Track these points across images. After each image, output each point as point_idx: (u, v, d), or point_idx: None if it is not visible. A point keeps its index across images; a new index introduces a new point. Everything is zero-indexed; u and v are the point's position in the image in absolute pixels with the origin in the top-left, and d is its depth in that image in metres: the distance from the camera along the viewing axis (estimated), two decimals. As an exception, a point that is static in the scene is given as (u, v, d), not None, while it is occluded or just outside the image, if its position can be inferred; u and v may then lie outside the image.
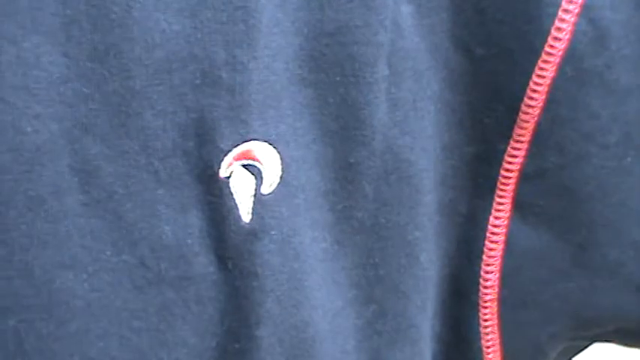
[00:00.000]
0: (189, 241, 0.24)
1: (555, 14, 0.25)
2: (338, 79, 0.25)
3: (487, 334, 0.29)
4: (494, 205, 0.28)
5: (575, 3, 0.25)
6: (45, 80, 0.23)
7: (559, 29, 0.26)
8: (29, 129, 0.23)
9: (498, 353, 0.30)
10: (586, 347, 0.33)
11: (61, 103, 0.23)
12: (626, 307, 0.29)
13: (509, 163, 0.27)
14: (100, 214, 0.23)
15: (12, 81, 0.22)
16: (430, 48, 0.26)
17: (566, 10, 0.25)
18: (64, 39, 0.23)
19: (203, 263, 0.24)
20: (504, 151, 0.27)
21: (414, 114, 0.26)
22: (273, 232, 0.24)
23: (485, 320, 0.29)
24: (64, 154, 0.23)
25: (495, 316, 0.29)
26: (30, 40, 0.23)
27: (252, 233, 0.24)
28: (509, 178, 0.28)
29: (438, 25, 0.26)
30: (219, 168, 0.24)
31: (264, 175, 0.24)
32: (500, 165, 0.28)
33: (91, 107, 0.23)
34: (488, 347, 0.30)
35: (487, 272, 0.28)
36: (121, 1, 0.23)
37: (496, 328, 0.29)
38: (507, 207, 0.28)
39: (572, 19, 0.25)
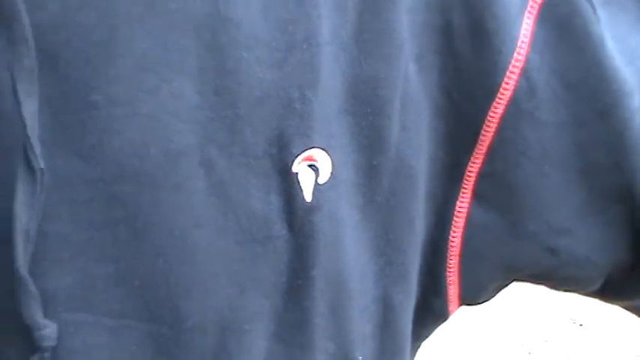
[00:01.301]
0: (270, 213, 0.38)
1: (505, 73, 0.40)
2: (368, 110, 0.39)
3: (450, 276, 0.44)
4: (460, 194, 0.43)
5: (517, 67, 0.40)
6: (186, 108, 0.36)
7: (507, 83, 0.40)
8: (175, 139, 0.36)
9: (456, 289, 0.45)
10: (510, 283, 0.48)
11: (195, 123, 0.36)
12: (539, 260, 0.45)
13: (471, 167, 0.42)
14: (215, 194, 0.37)
15: (166, 107, 0.36)
16: (425, 92, 0.40)
17: (512, 72, 0.40)
18: (199, 81, 0.36)
19: (279, 228, 0.38)
20: (469, 159, 0.42)
21: (415, 134, 0.40)
22: (324, 209, 0.38)
23: (450, 268, 0.44)
24: (196, 155, 0.36)
25: (456, 265, 0.44)
26: (178, 80, 0.36)
27: (312, 209, 0.38)
28: (471, 177, 0.43)
29: (431, 78, 0.40)
30: (292, 166, 0.38)
31: (320, 171, 0.38)
32: (465, 168, 0.42)
33: (214, 126, 0.36)
34: (449, 285, 0.45)
35: (453, 237, 0.43)
36: (234, 57, 0.36)
37: (456, 272, 0.44)
38: (469, 195, 0.43)
39: (515, 77, 0.40)
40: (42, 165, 0.32)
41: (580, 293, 0.52)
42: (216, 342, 0.38)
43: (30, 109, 0.32)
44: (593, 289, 0.50)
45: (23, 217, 0.32)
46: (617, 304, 0.53)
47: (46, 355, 0.35)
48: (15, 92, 0.32)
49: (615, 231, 0.44)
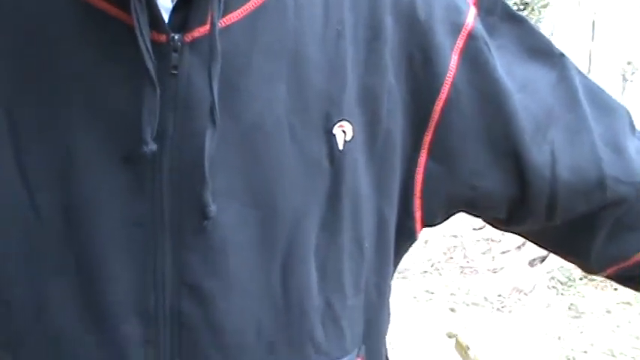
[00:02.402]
0: (321, 154, 0.71)
1: (442, 85, 0.75)
2: (370, 101, 0.73)
3: (416, 204, 0.78)
4: (420, 153, 0.77)
5: (448, 82, 0.75)
6: (282, 100, 0.70)
7: (443, 91, 0.75)
8: (276, 112, 0.70)
9: (420, 214, 0.79)
10: (453, 213, 0.83)
11: (286, 108, 0.70)
12: (465, 194, 0.80)
13: (426, 137, 0.76)
14: (294, 144, 0.70)
15: (273, 100, 0.69)
16: (399, 93, 0.74)
17: (446, 84, 0.75)
18: (288, 87, 0.70)
19: (325, 163, 0.71)
20: (424, 132, 0.76)
21: (394, 116, 0.74)
22: (348, 154, 0.72)
23: (416, 199, 0.78)
24: (286, 123, 0.70)
25: (419, 198, 0.78)
26: (279, 87, 0.70)
27: (342, 153, 0.72)
28: (425, 143, 0.77)
29: (402, 85, 0.74)
30: (332, 129, 0.71)
31: (346, 133, 0.72)
32: (423, 137, 0.77)
33: (295, 109, 0.70)
34: (416, 210, 0.79)
35: (417, 179, 0.77)
36: (305, 75, 0.71)
37: (419, 203, 0.78)
38: (425, 154, 0.77)
39: (448, 87, 0.75)
40: (219, 118, 0.66)
41: (495, 224, 0.87)
42: (291, 228, 0.71)
43: (215, 88, 0.65)
44: (500, 218, 0.84)
45: (208, 145, 0.65)
46: (518, 230, 0.88)
47: (208, 222, 0.67)
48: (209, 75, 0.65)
49: (509, 175, 0.80)
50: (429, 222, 0.82)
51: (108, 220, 0.68)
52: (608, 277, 0.91)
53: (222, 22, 0.66)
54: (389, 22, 0.74)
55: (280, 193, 0.70)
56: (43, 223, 0.69)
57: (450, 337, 1.28)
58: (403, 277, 4.96)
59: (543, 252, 4.90)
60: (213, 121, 0.65)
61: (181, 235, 0.68)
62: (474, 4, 0.78)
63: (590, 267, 0.90)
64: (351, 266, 0.75)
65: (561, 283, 4.74)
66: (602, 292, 4.75)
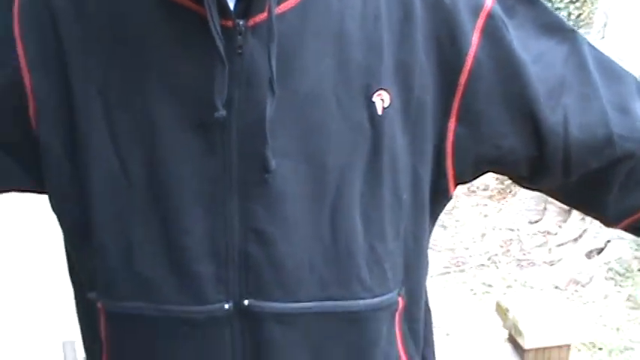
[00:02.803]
0: (364, 119, 0.84)
1: (465, 58, 0.88)
2: (403, 74, 0.86)
3: (448, 164, 0.91)
4: (450, 118, 0.90)
5: (471, 56, 0.88)
6: (331, 73, 0.84)
7: (466, 63, 0.88)
8: (327, 80, 0.84)
9: (452, 173, 0.92)
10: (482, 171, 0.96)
11: (334, 80, 0.84)
12: (491, 153, 0.92)
13: (455, 104, 0.89)
14: (342, 110, 0.84)
15: (324, 73, 0.83)
16: (430, 67, 0.87)
17: (469, 57, 0.88)
18: (336, 62, 0.84)
19: (367, 126, 0.84)
20: (453, 100, 0.89)
21: (426, 87, 0.87)
22: (387, 119, 0.85)
23: (447, 159, 0.91)
24: (333, 92, 0.84)
25: (451, 158, 0.91)
26: (329, 62, 0.84)
27: (381, 117, 0.85)
28: (454, 109, 0.90)
29: (432, 60, 0.88)
30: (372, 97, 0.85)
31: (384, 100, 0.86)
32: (452, 104, 0.89)
33: (341, 80, 0.84)
34: (448, 169, 0.92)
35: (448, 141, 0.90)
36: (349, 52, 0.85)
37: (451, 163, 0.91)
38: (454, 119, 0.90)
39: (470, 60, 0.88)
40: (277, 89, 0.80)
41: (520, 182, 1.00)
42: (338, 180, 0.85)
43: (273, 64, 0.79)
44: (523, 175, 0.97)
45: (268, 111, 0.80)
46: (540, 187, 1.01)
47: (269, 176, 0.81)
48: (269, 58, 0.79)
49: (527, 134, 0.92)
50: (461, 180, 0.95)
51: (185, 178, 0.83)
52: (626, 229, 1.02)
53: (278, 10, 0.81)
54: (418, 6, 0.88)
55: (328, 152, 0.84)
56: (132, 184, 0.84)
57: (500, 309, 1.39)
58: (461, 271, 5.05)
59: (601, 244, 4.95)
60: (272, 92, 0.80)
61: (247, 187, 0.83)
62: None
63: (608, 220, 1.02)
64: (391, 215, 0.88)
65: (619, 275, 4.76)
66: (662, 283, 4.76)
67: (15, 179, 0.93)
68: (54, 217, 0.93)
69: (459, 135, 0.91)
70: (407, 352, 0.96)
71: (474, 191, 6.23)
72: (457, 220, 5.79)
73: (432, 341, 1.04)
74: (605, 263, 4.68)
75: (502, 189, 6.07)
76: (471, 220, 5.80)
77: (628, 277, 4.74)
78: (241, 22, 0.80)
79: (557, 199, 1.06)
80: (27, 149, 0.88)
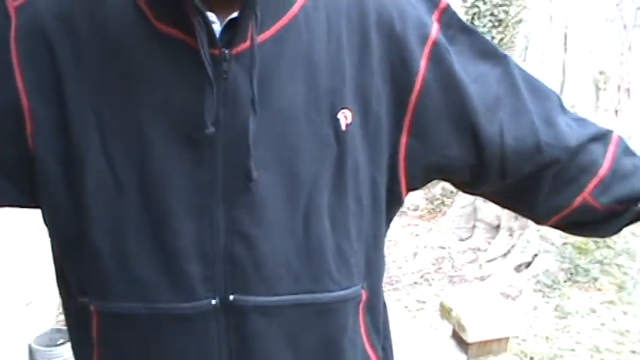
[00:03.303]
0: (329, 134, 0.98)
1: (415, 80, 1.03)
2: (363, 95, 1.01)
3: (401, 172, 1.06)
4: (402, 132, 1.05)
5: (420, 78, 1.03)
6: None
7: (416, 85, 1.03)
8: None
9: (404, 180, 1.07)
10: (430, 179, 1.11)
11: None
12: (438, 162, 1.08)
13: (405, 120, 1.04)
14: (311, 124, 0.98)
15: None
16: (384, 89, 1.02)
17: (417, 79, 1.03)
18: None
19: (332, 141, 0.98)
20: (404, 117, 1.04)
21: (382, 105, 1.02)
22: (349, 134, 0.99)
23: (400, 168, 1.05)
24: (303, 109, 0.98)
25: (403, 167, 1.05)
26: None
27: (345, 132, 0.99)
28: (405, 125, 1.04)
29: (385, 84, 1.03)
30: (337, 114, 0.99)
31: (347, 117, 1.00)
32: (404, 120, 1.04)
33: (310, 100, 0.98)
34: (401, 177, 1.06)
35: (400, 152, 1.05)
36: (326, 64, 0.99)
37: (403, 171, 1.06)
38: (406, 133, 1.05)
39: (420, 82, 1.03)
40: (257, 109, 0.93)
41: (463, 188, 1.15)
42: (309, 188, 0.98)
43: (255, 87, 0.92)
44: (465, 181, 1.12)
45: (251, 127, 0.93)
46: (480, 192, 1.16)
47: (252, 184, 0.94)
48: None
49: (469, 144, 1.07)
50: (412, 186, 1.09)
51: (175, 188, 0.95)
52: (555, 225, 1.18)
53: (258, 39, 0.94)
54: (374, 36, 1.02)
55: (301, 163, 0.98)
56: (125, 194, 0.96)
57: (443, 308, 1.54)
58: (395, 289, 5.21)
59: (528, 258, 5.20)
60: (254, 111, 0.93)
61: (232, 195, 0.95)
62: (437, 20, 1.07)
63: (539, 218, 1.18)
64: (354, 218, 1.02)
65: (547, 287, 5.01)
66: (587, 293, 5.01)
67: (7, 196, 1.02)
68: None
69: (410, 146, 1.06)
70: (370, 341, 1.10)
71: (404, 212, 6.43)
72: (389, 240, 5.97)
73: (390, 335, 1.18)
74: (533, 276, 4.91)
75: (432, 209, 6.30)
76: (403, 240, 5.99)
77: (555, 289, 4.99)
78: (226, 51, 0.93)
79: (495, 202, 1.22)
80: (20, 167, 0.98)
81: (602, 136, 1.14)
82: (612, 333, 4.60)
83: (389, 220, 1.12)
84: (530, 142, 1.09)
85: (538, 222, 1.21)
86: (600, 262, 5.19)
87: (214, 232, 0.96)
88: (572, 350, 4.36)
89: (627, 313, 4.83)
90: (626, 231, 5.30)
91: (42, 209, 1.02)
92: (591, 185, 1.12)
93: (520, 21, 5.63)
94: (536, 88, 1.12)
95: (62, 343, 3.73)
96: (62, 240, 1.02)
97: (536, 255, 5.26)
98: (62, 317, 4.43)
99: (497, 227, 5.62)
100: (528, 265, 5.18)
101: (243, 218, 0.96)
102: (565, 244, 5.25)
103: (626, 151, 1.15)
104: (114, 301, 0.99)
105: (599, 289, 5.03)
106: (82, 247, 0.98)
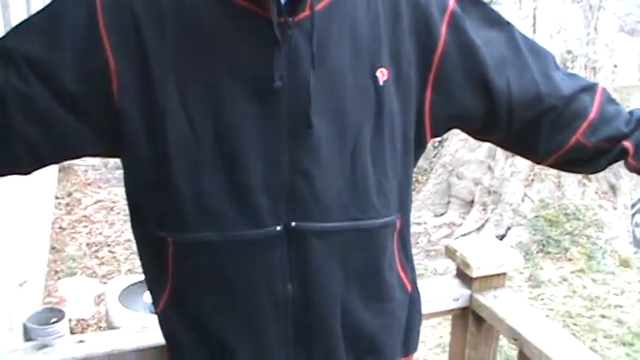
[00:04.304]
0: (370, 87, 1.21)
1: (437, 45, 1.27)
2: (395, 56, 1.24)
3: (426, 121, 1.29)
4: (427, 87, 1.28)
5: (441, 43, 1.26)
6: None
7: (438, 48, 1.26)
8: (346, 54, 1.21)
9: (429, 128, 1.31)
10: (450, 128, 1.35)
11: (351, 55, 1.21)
12: (457, 113, 1.32)
13: (430, 78, 1.28)
14: (356, 82, 1.21)
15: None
16: (413, 51, 1.25)
17: (439, 44, 1.26)
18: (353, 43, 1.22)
19: (372, 93, 1.22)
20: (429, 73, 1.27)
21: (411, 65, 1.25)
22: (385, 88, 1.22)
23: (425, 117, 1.29)
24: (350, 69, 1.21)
25: (428, 117, 1.29)
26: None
27: (382, 87, 1.22)
28: (429, 81, 1.28)
29: (411, 46, 1.26)
30: (375, 72, 1.22)
31: (385, 74, 1.22)
32: (428, 77, 1.27)
33: (357, 62, 1.22)
34: (426, 125, 1.30)
35: (426, 104, 1.28)
36: (360, 34, 1.22)
37: (428, 120, 1.29)
38: (430, 88, 1.28)
39: (441, 46, 1.26)
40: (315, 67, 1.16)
41: (474, 135, 1.39)
42: (355, 133, 1.20)
43: (314, 48, 1.15)
44: (478, 128, 1.36)
45: (311, 81, 1.15)
46: (489, 139, 1.40)
47: (312, 130, 1.16)
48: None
49: (482, 97, 1.31)
50: (435, 133, 1.33)
51: (246, 134, 1.16)
52: (552, 164, 1.43)
53: (316, 8, 1.16)
54: (404, 8, 1.25)
55: (348, 112, 1.20)
56: (202, 142, 1.16)
57: (449, 250, 1.79)
58: (373, 264, 5.44)
59: (502, 231, 5.48)
60: (313, 68, 1.15)
61: (295, 139, 1.17)
62: None
63: (540, 158, 1.42)
64: (390, 157, 1.25)
65: (520, 257, 5.30)
66: (558, 263, 5.32)
67: (93, 147, 1.23)
68: None
69: (433, 99, 1.29)
70: (402, 264, 1.34)
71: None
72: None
73: (414, 266, 1.42)
74: (506, 248, 5.18)
75: (407, 186, 6.55)
76: (379, 218, 6.20)
77: (528, 259, 5.27)
78: (290, 19, 1.15)
79: (502, 147, 1.47)
80: (107, 121, 1.18)
81: (590, 87, 1.39)
82: (583, 300, 4.90)
83: (415, 162, 1.35)
84: (532, 92, 1.33)
85: (539, 162, 1.44)
86: (570, 234, 5.49)
87: (279, 170, 1.18)
88: (546, 317, 4.65)
89: (596, 281, 5.14)
90: (595, 204, 5.62)
91: (123, 159, 1.22)
92: (583, 127, 1.36)
93: (491, 2, 5.89)
94: (535, 49, 1.36)
95: (56, 322, 3.89)
96: (142, 184, 1.22)
97: (509, 228, 5.55)
98: (49, 299, 4.61)
99: (471, 202, 5.90)
100: (502, 238, 5.46)
101: (303, 158, 1.18)
102: (537, 217, 5.55)
103: (610, 100, 1.39)
104: (190, 232, 1.19)
105: (570, 259, 5.34)
106: (162, 189, 1.19)
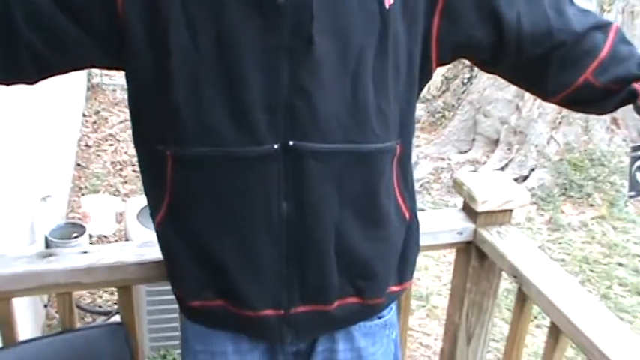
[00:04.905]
0: (375, 9, 1.19)
1: None
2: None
3: (433, 48, 1.27)
4: (435, 14, 1.25)
5: None
6: None
7: None
8: None
9: (435, 57, 1.28)
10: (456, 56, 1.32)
11: None
12: (464, 41, 1.29)
13: (438, 5, 1.25)
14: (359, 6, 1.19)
15: None
16: None
17: None
18: None
19: (378, 16, 1.19)
20: (437, 4, 1.25)
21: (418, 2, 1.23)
22: (392, 13, 1.20)
23: (432, 45, 1.27)
24: None
25: (435, 44, 1.27)
26: None
27: (388, 10, 1.20)
28: (437, 8, 1.25)
29: None
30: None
31: (390, 1, 1.21)
32: (436, 6, 1.25)
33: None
34: (433, 54, 1.27)
35: (433, 31, 1.26)
36: None
37: (435, 47, 1.27)
38: (438, 14, 1.25)
39: None
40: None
41: (481, 66, 1.36)
42: (357, 54, 1.18)
43: None
44: (485, 58, 1.33)
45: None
46: (497, 69, 1.37)
47: (313, 47, 1.14)
48: None
49: (491, 27, 1.28)
50: (441, 61, 1.30)
51: (246, 48, 1.15)
52: (560, 102, 1.40)
53: None
54: None
55: (351, 33, 1.18)
56: (203, 54, 1.16)
57: (456, 183, 1.78)
58: (394, 199, 5.44)
59: (525, 172, 5.44)
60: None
61: (296, 55, 1.15)
62: None
63: (547, 94, 1.39)
64: (392, 83, 1.23)
65: (542, 200, 5.26)
66: (579, 208, 5.27)
67: (92, 55, 1.23)
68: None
69: (441, 27, 1.26)
70: (400, 190, 1.33)
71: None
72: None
73: (415, 195, 1.41)
74: (528, 190, 5.14)
75: (433, 122, 6.49)
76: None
77: (549, 202, 5.24)
78: None
79: (509, 80, 1.44)
80: (111, 33, 1.18)
81: (603, 26, 1.35)
82: (601, 246, 4.87)
83: (420, 90, 1.33)
84: (542, 27, 1.29)
85: (546, 98, 1.42)
86: (594, 180, 5.43)
87: (279, 87, 1.17)
88: (562, 260, 4.64)
89: (617, 229, 5.09)
90: (621, 151, 5.54)
91: (126, 70, 1.22)
92: (593, 66, 1.33)
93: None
94: None
95: (77, 237, 3.95)
96: (144, 95, 1.23)
97: (532, 170, 5.50)
98: (72, 215, 4.68)
99: (496, 142, 5.84)
100: (525, 178, 5.42)
101: (303, 76, 1.16)
102: (561, 160, 5.49)
103: (623, 40, 1.35)
104: (189, 146, 1.20)
105: (592, 205, 5.29)
106: (162, 101, 1.19)
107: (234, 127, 1.17)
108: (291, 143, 1.18)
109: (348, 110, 1.20)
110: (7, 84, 1.26)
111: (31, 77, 1.24)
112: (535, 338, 3.69)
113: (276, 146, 1.18)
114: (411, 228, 1.40)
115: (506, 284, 4.00)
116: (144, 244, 1.64)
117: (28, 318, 3.20)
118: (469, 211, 1.81)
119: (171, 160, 1.22)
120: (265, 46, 1.15)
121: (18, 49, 1.17)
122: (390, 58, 1.22)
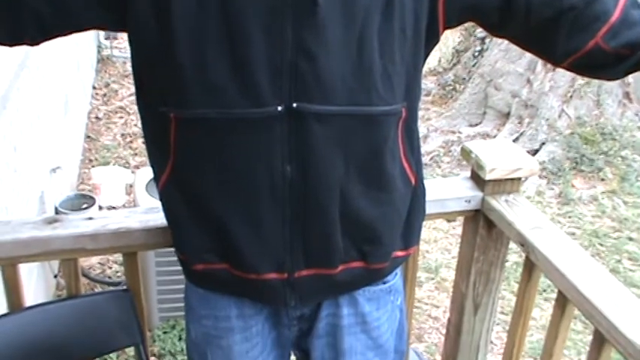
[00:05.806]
0: None
1: None
2: None
3: (439, 11, 1.24)
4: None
5: None
6: None
7: None
8: None
9: (442, 19, 1.25)
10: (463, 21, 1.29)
11: None
12: (470, 7, 1.27)
13: None
14: None
15: None
16: None
17: None
18: None
19: None
20: None
21: None
22: None
23: (438, 6, 1.24)
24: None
25: (442, 7, 1.24)
26: None
27: None
28: None
29: None
30: None
31: None
32: None
33: None
34: (439, 15, 1.25)
35: (441, 3, 1.24)
36: None
37: (442, 10, 1.25)
38: None
39: None
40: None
41: (489, 29, 1.34)
42: (363, 17, 1.16)
43: None
44: (493, 22, 1.30)
45: None
46: (505, 34, 1.35)
47: (318, 8, 1.12)
48: None
49: None
50: (448, 24, 1.28)
51: (251, 10, 1.13)
52: (569, 67, 1.37)
53: None
54: None
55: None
56: (206, 15, 1.14)
57: (464, 152, 1.76)
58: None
59: (536, 145, 5.40)
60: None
61: (300, 16, 1.13)
62: None
63: (556, 59, 1.36)
64: (398, 45, 1.21)
65: (552, 174, 5.23)
66: (590, 182, 5.24)
67: (94, 17, 1.21)
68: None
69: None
70: (405, 154, 1.31)
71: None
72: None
73: (421, 160, 1.39)
74: (539, 163, 5.12)
75: (443, 94, 6.46)
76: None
77: (560, 176, 5.21)
78: None
79: (518, 45, 1.40)
80: None
81: None
82: (611, 221, 4.85)
83: (427, 53, 1.30)
84: None
85: (555, 63, 1.39)
86: (605, 154, 5.39)
87: (283, 47, 1.15)
88: (572, 234, 4.62)
89: (627, 203, 5.07)
90: (633, 125, 5.50)
91: (129, 32, 1.20)
92: (603, 30, 1.29)
93: None
94: None
95: (86, 208, 3.96)
96: (147, 57, 1.21)
97: (543, 143, 5.46)
98: (82, 186, 4.69)
99: (507, 115, 5.80)
100: (535, 152, 5.39)
101: (308, 37, 1.14)
102: (572, 134, 5.45)
103: (634, 4, 1.32)
104: (192, 108, 1.18)
105: (602, 179, 5.26)
106: (165, 61, 1.17)
107: (237, 88, 1.16)
108: (295, 105, 1.16)
109: (354, 72, 1.18)
110: (11, 45, 1.24)
111: (34, 39, 1.23)
112: (544, 312, 3.68)
113: (279, 108, 1.16)
114: (417, 193, 1.39)
115: (515, 257, 3.99)
116: (149, 210, 1.63)
117: (40, 288, 3.22)
118: (477, 179, 1.79)
119: (174, 122, 1.21)
120: (269, 6, 1.13)
121: (22, 10, 1.16)
122: (396, 20, 1.19)
